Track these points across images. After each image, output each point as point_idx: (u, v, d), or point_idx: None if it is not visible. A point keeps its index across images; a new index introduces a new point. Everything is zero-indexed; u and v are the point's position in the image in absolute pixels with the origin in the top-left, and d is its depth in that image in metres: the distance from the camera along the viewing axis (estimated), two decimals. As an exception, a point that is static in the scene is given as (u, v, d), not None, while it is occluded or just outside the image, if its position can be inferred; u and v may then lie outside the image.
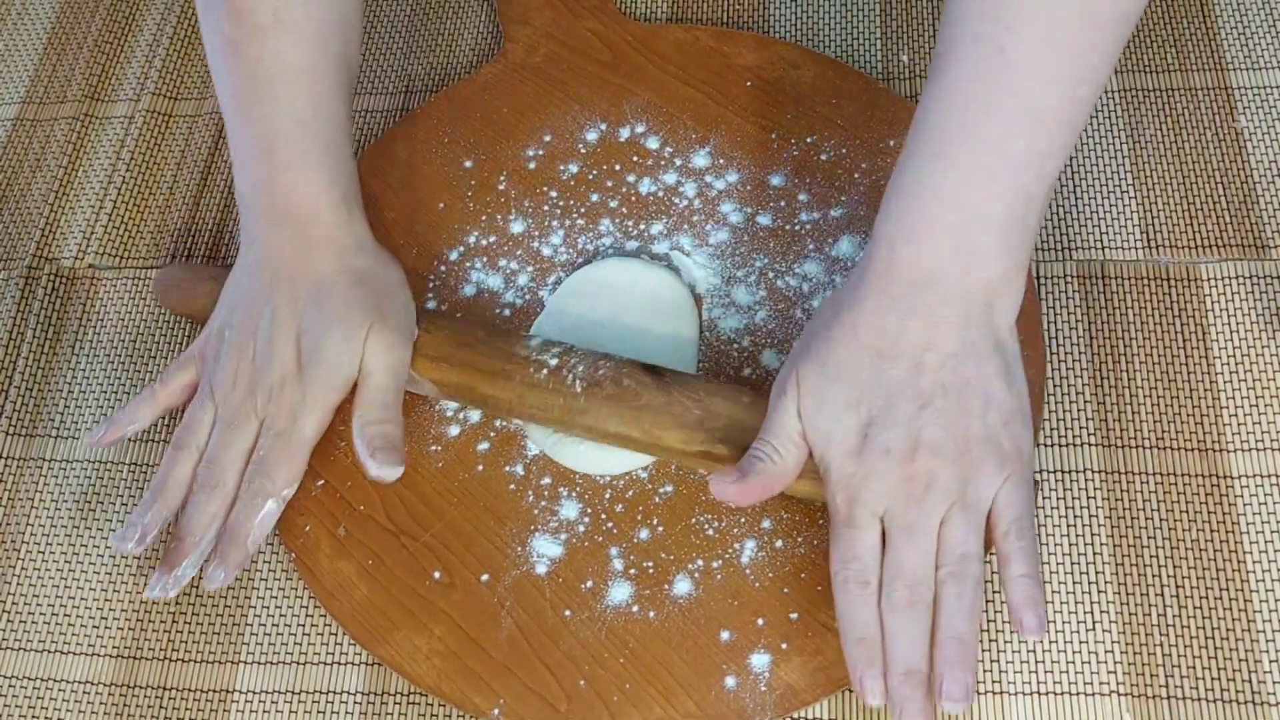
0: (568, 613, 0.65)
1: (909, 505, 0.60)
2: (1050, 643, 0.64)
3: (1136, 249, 0.74)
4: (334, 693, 0.67)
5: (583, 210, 0.78)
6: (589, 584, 0.66)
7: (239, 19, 0.66)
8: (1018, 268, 0.60)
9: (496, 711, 0.64)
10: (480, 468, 0.70)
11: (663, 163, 0.79)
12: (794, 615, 0.64)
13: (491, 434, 0.71)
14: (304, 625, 0.69)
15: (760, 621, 0.64)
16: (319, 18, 0.68)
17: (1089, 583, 0.65)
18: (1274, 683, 0.62)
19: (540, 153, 0.81)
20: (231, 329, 0.70)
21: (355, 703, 0.66)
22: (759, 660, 0.63)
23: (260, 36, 0.67)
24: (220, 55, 0.69)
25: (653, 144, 0.80)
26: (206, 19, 0.69)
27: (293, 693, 0.67)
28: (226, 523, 0.68)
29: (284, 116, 0.68)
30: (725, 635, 0.64)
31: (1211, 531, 0.66)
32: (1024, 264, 0.60)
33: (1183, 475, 0.68)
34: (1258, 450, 0.68)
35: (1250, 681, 0.62)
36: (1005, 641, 0.64)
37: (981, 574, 0.60)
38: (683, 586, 0.65)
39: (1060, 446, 0.69)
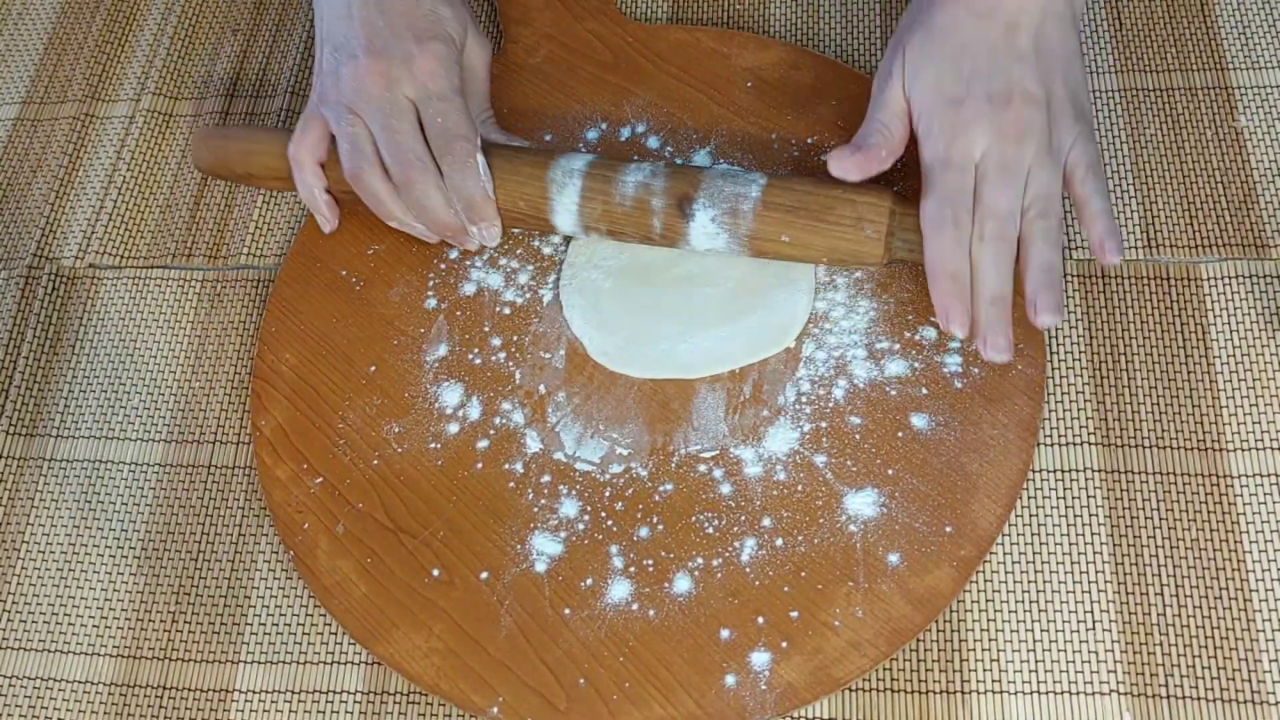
0: (567, 611, 0.65)
1: (1005, 146, 0.66)
2: (1050, 642, 0.64)
3: (1136, 249, 0.74)
4: (334, 692, 0.67)
5: (583, 210, 0.78)
6: (589, 582, 0.66)
7: None
8: None
9: (496, 710, 0.64)
10: (480, 465, 0.70)
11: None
12: (794, 614, 0.64)
13: (491, 432, 0.71)
14: (303, 624, 0.69)
15: (760, 620, 0.64)
16: None
17: (1088, 582, 0.65)
18: (1274, 682, 0.62)
19: (540, 153, 0.81)
20: (338, 54, 0.73)
21: (355, 702, 0.66)
22: (759, 659, 0.63)
23: None
24: None
25: (653, 144, 0.80)
26: None
27: (292, 692, 0.67)
28: (461, 199, 0.71)
29: None
30: (725, 634, 0.64)
31: (1211, 531, 0.66)
32: None
33: (1182, 475, 0.68)
34: (1257, 450, 0.68)
35: (1250, 681, 0.62)
36: (1005, 641, 0.64)
37: (1062, 213, 0.67)
38: (683, 585, 0.65)
39: (1060, 445, 0.69)
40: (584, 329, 0.74)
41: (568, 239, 0.77)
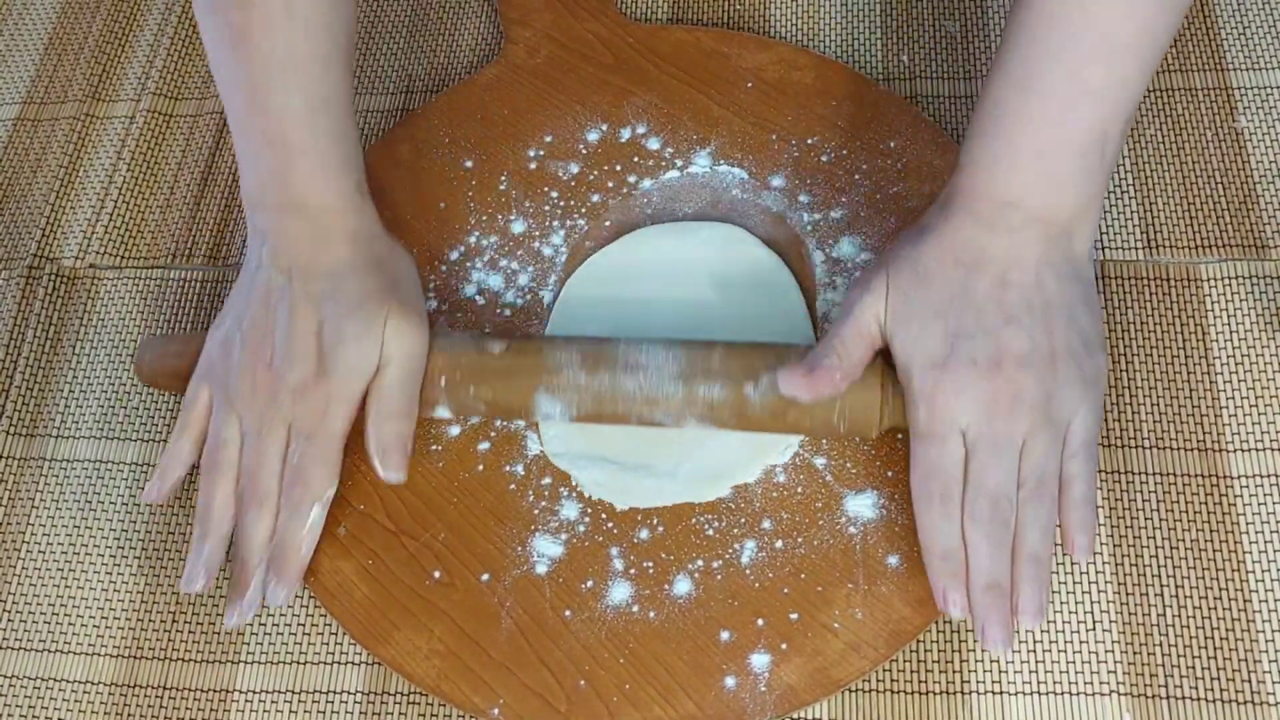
0: (568, 613, 0.65)
1: (994, 419, 0.61)
2: (1050, 642, 0.64)
3: (1136, 249, 0.74)
4: (334, 692, 0.67)
5: (583, 211, 0.78)
6: (589, 584, 0.66)
7: (248, 8, 0.66)
8: (1095, 198, 0.63)
9: (496, 711, 0.64)
10: (481, 468, 0.70)
11: (663, 164, 0.79)
12: (794, 616, 0.64)
13: (492, 434, 0.71)
14: (304, 625, 0.69)
15: (760, 622, 0.64)
16: (326, 5, 0.68)
17: (1089, 582, 0.65)
18: (1274, 683, 0.62)
19: (541, 153, 0.81)
20: (243, 333, 0.68)
21: (355, 702, 0.66)
22: (759, 660, 0.63)
23: (271, 25, 0.66)
24: (226, 46, 0.68)
25: (654, 145, 0.80)
26: (208, 12, 0.68)
27: (293, 692, 0.67)
28: (275, 539, 0.67)
29: (298, 105, 0.67)
30: (725, 635, 0.64)
31: (1211, 531, 0.66)
32: (1100, 196, 0.63)
33: (1182, 475, 0.68)
34: (1257, 450, 0.68)
35: (1250, 681, 0.62)
36: (1005, 641, 0.64)
37: (1057, 493, 0.61)
38: (683, 586, 0.65)
39: (1060, 446, 0.69)
40: (568, 460, 0.70)
41: (567, 240, 0.77)
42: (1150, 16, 0.60)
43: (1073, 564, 0.66)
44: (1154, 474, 0.68)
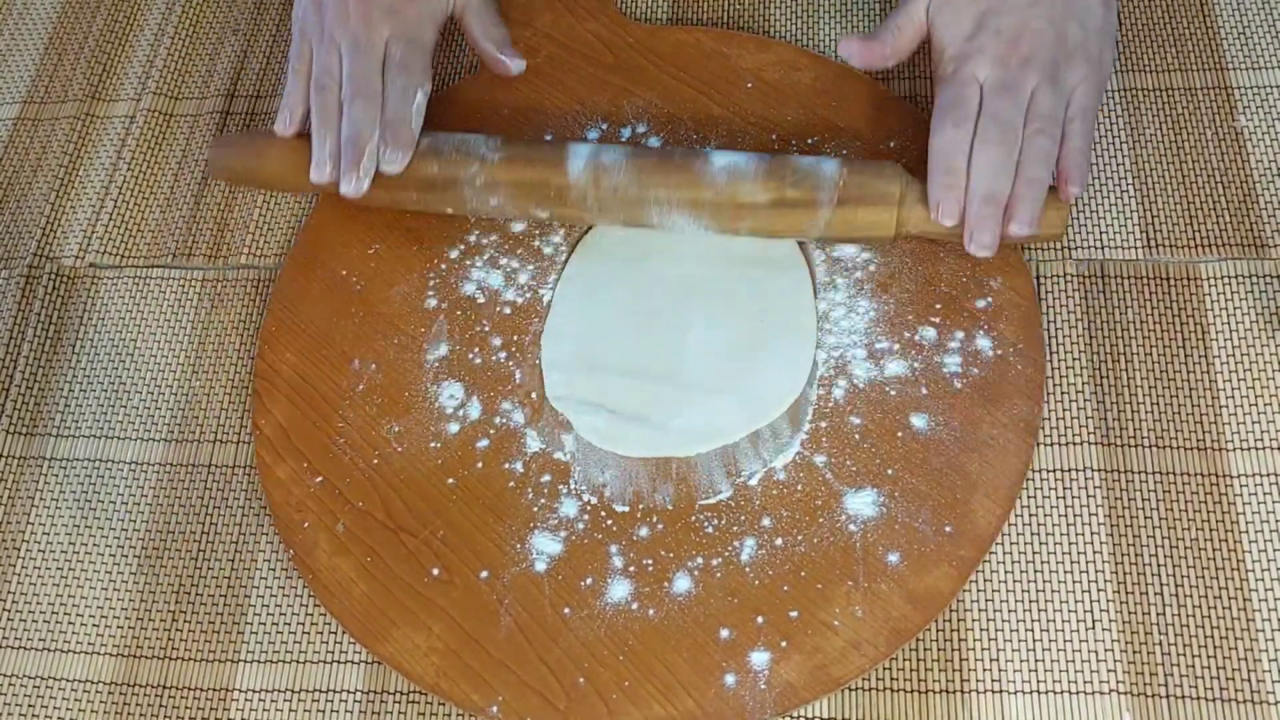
0: (567, 610, 0.65)
1: (1006, 70, 0.70)
2: (1050, 642, 0.64)
3: (1136, 248, 0.74)
4: (333, 691, 0.67)
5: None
6: (588, 581, 0.66)
7: None
8: None
9: (495, 709, 0.64)
10: (480, 465, 0.70)
11: (663, 163, 0.79)
12: (794, 613, 0.64)
13: (491, 431, 0.71)
14: (303, 623, 0.69)
15: (760, 619, 0.64)
16: None
17: (1088, 581, 0.65)
18: (1274, 682, 0.62)
19: (541, 153, 0.81)
20: None
21: (355, 701, 0.66)
22: (758, 658, 0.63)
23: None
24: None
25: (654, 145, 0.80)
26: None
27: (292, 691, 0.67)
28: (385, 118, 0.74)
29: None
30: (725, 633, 0.64)
31: (1211, 531, 0.66)
32: None
33: (1182, 474, 0.68)
34: (1257, 449, 0.68)
35: (1250, 680, 0.62)
36: (1005, 640, 0.64)
37: (1059, 138, 0.69)
38: (682, 584, 0.65)
39: (1060, 445, 0.69)
40: (568, 405, 0.72)
41: (567, 239, 0.77)
42: None
43: (1072, 563, 0.66)
44: (1154, 473, 0.68)
